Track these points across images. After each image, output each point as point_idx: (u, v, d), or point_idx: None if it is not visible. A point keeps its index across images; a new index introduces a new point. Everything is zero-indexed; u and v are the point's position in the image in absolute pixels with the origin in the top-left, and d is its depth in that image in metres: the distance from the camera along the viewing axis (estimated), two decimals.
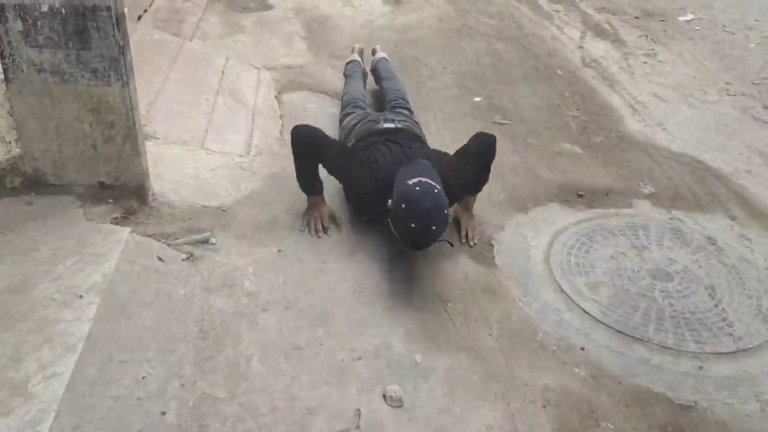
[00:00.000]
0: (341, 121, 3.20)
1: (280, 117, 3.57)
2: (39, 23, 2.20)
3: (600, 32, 5.07)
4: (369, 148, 2.64)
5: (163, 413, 1.76)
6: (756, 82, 4.26)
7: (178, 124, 3.14)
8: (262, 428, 1.77)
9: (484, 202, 2.91)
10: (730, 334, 2.25)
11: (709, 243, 2.71)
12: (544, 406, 1.95)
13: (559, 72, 4.35)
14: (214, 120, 3.29)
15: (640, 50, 4.74)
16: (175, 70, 3.60)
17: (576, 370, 2.11)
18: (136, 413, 1.72)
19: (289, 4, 5.24)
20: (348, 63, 3.82)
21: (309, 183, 2.62)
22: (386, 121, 2.87)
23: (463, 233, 2.64)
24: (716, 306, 2.38)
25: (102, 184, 2.49)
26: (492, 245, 2.65)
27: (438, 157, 2.59)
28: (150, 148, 2.68)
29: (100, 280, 2.06)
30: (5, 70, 2.27)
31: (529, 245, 2.66)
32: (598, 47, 4.81)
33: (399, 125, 2.83)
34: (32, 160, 2.43)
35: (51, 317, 1.90)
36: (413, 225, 2.19)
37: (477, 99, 3.92)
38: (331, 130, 3.43)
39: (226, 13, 4.91)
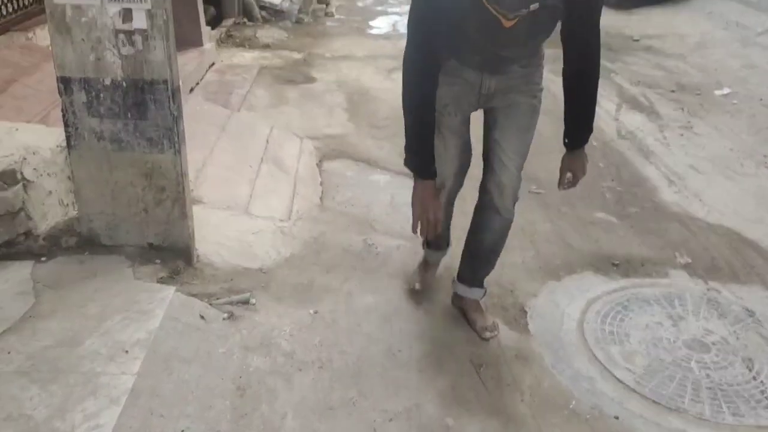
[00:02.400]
0: None
1: (321, 184, 3.70)
2: (101, 95, 2.39)
3: (635, 105, 5.16)
4: None
5: None
6: None
7: (223, 189, 3.29)
8: None
9: (518, 268, 2.95)
10: (767, 407, 2.21)
11: (747, 315, 2.69)
12: None
13: (594, 143, 4.42)
14: (257, 186, 3.44)
15: (675, 123, 4.80)
16: (223, 139, 3.79)
17: None
18: None
19: (333, 77, 5.49)
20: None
21: (422, 156, 2.12)
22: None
23: (565, 178, 2.37)
24: (754, 379, 2.34)
25: (151, 245, 2.62)
26: (525, 311, 2.67)
27: None
28: (196, 212, 2.81)
29: (145, 336, 2.15)
30: (68, 137, 2.46)
31: (562, 313, 2.67)
32: (633, 119, 4.88)
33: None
34: (88, 222, 2.59)
35: (97, 370, 2.00)
36: None
37: None
38: (371, 196, 3.56)
39: (272, 86, 5.16)
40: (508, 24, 1.97)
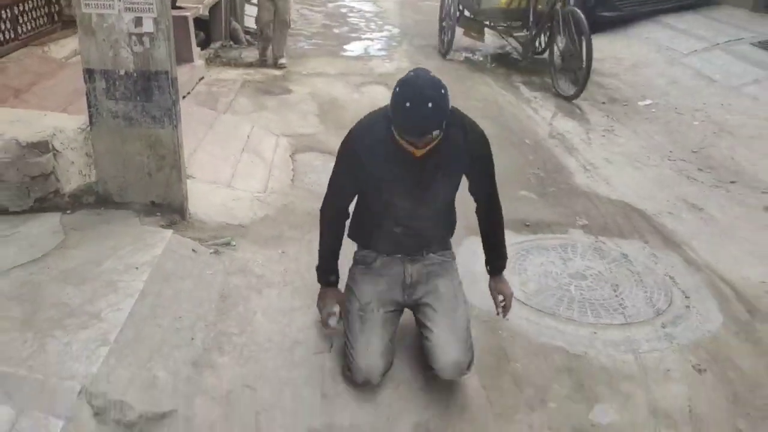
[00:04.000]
0: None
1: (292, 170, 4.42)
2: (117, 83, 3.11)
3: (569, 113, 5.95)
4: None
5: (192, 338, 2.49)
6: (695, 150, 5.05)
7: (210, 170, 4.01)
8: (261, 351, 2.50)
9: None
10: (622, 314, 2.94)
11: (623, 257, 3.43)
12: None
13: (527, 141, 5.20)
14: (238, 169, 4.16)
15: (600, 127, 5.59)
16: (210, 134, 4.52)
17: (499, 331, 2.80)
18: (173, 336, 2.46)
19: (307, 90, 6.24)
20: None
21: (325, 264, 2.60)
22: None
23: (500, 302, 2.62)
24: (617, 297, 3.07)
25: (153, 203, 3.31)
26: None
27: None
28: (188, 185, 3.52)
29: (150, 259, 2.84)
30: (90, 116, 3.17)
31: (476, 255, 3.38)
32: (565, 124, 5.67)
33: None
34: (103, 184, 3.29)
35: (115, 279, 2.68)
36: (408, 104, 2.05)
37: None
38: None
39: (254, 96, 5.92)
40: (419, 153, 2.24)
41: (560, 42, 6.37)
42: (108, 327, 2.38)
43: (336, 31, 9.33)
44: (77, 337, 2.30)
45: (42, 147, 3.14)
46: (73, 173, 3.35)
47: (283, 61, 7.01)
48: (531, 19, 6.93)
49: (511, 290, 2.63)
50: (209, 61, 6.82)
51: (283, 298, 2.87)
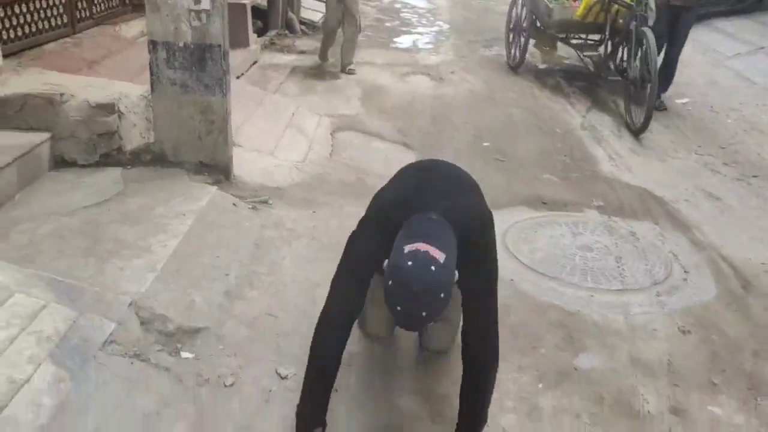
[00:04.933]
0: None
1: (331, 145, 4.77)
2: (176, 54, 3.50)
3: (605, 108, 6.12)
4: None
5: (227, 275, 2.85)
6: (723, 146, 5.18)
7: (256, 140, 4.38)
8: (286, 289, 2.84)
9: None
10: (621, 281, 3.17)
11: (631, 235, 3.64)
12: None
13: (558, 131, 5.42)
14: (281, 142, 4.53)
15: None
16: (259, 110, 4.90)
17: (504, 290, 3.05)
18: (211, 270, 2.83)
19: (355, 77, 6.58)
20: None
21: (309, 416, 2.06)
22: None
23: None
24: (618, 267, 3.30)
25: (202, 163, 3.70)
26: None
27: (473, 206, 2.10)
28: (234, 152, 3.89)
29: (196, 209, 3.22)
30: (152, 83, 3.57)
31: None
32: (598, 118, 5.85)
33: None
34: (160, 144, 3.69)
35: (164, 222, 3.06)
36: (398, 308, 1.77)
37: (485, 144, 5.02)
38: (369, 155, 4.60)
39: (303, 80, 6.29)
40: None
41: (632, 65, 5.50)
42: (156, 259, 2.76)
43: (388, 24, 9.65)
44: (130, 264, 2.69)
45: (109, 109, 3.56)
46: (135, 134, 3.77)
47: (352, 67, 6.65)
48: (606, 35, 6.20)
49: None
50: (264, 47, 7.24)
51: (310, 249, 3.21)
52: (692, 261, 3.41)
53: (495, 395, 2.33)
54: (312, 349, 2.06)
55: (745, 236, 3.73)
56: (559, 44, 7.17)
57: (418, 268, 1.75)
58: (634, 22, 5.54)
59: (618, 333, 2.81)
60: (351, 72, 6.64)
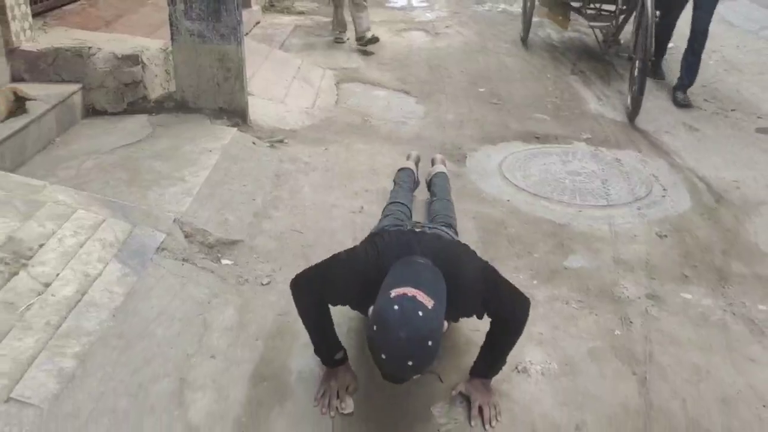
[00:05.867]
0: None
1: (336, 94, 5.07)
2: (194, 5, 3.79)
3: (595, 56, 6.41)
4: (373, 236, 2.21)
5: (254, 199, 3.20)
6: (704, 85, 5.49)
7: (266, 90, 4.69)
8: (306, 210, 3.19)
9: (467, 138, 4.28)
10: (606, 199, 3.52)
11: (616, 161, 3.99)
12: (474, 218, 3.27)
13: (548, 76, 5.73)
14: (290, 91, 4.84)
15: (620, 66, 6.05)
16: (266, 64, 5.20)
17: (501, 208, 3.42)
18: (239, 195, 3.17)
19: (353, 34, 6.84)
20: (400, 170, 3.31)
21: (326, 350, 2.13)
22: (415, 225, 2.35)
23: (475, 411, 2.05)
24: (603, 187, 3.65)
25: (220, 108, 4.01)
26: (466, 157, 4.01)
27: (454, 253, 2.01)
28: (249, 99, 4.21)
29: (220, 146, 3.55)
30: (172, 34, 3.87)
31: (490, 158, 4.01)
32: (589, 65, 6.15)
33: (427, 230, 2.26)
34: (181, 92, 4.00)
35: (193, 157, 3.39)
36: (383, 356, 1.68)
37: (481, 90, 5.34)
38: (372, 101, 4.92)
39: (304, 37, 6.57)
40: None
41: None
42: (190, 186, 3.10)
43: None
44: (168, 191, 3.03)
45: (133, 59, 3.87)
46: (156, 84, 4.08)
47: (371, 33, 6.21)
48: (619, 4, 5.48)
49: (490, 398, 2.09)
50: (264, 10, 7.49)
51: (325, 178, 3.55)
52: (671, 181, 3.76)
53: None
54: (295, 302, 2.10)
55: (719, 159, 4.08)
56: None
57: (405, 313, 1.66)
58: None
59: (603, 239, 3.17)
60: (373, 40, 6.17)
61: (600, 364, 2.33)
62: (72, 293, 2.17)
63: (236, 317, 2.40)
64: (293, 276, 2.09)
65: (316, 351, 2.13)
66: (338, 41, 6.44)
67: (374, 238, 2.08)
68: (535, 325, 2.50)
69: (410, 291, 1.71)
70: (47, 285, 2.16)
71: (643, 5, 4.53)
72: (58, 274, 2.21)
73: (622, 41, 5.75)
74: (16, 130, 3.19)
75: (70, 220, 2.50)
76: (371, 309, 1.75)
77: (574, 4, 6.03)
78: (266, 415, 2.01)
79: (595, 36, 5.94)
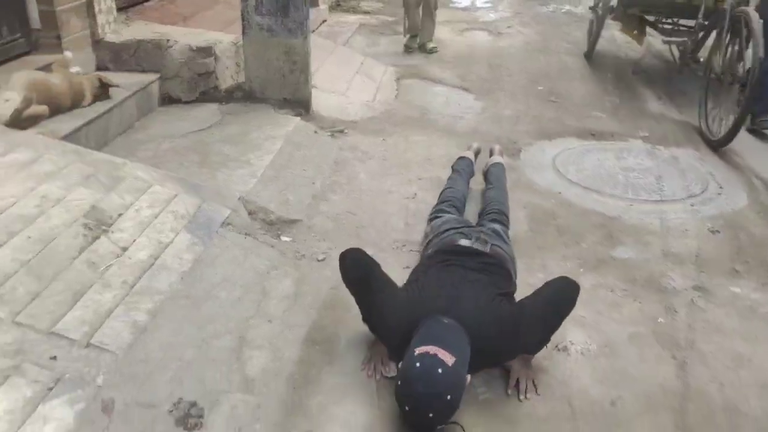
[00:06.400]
0: (431, 219, 2.92)
1: (396, 90, 5.22)
2: (264, 1, 4.01)
3: (659, 57, 6.36)
4: (425, 271, 2.35)
5: (313, 183, 3.38)
6: None
7: (329, 83, 4.88)
8: (362, 194, 3.35)
9: (523, 134, 4.36)
10: (659, 194, 3.54)
11: (672, 159, 3.99)
12: (525, 208, 3.36)
13: (609, 76, 5.72)
14: (352, 85, 5.02)
15: (687, 72, 5.96)
16: (330, 59, 5.40)
17: (552, 200, 3.49)
18: (300, 179, 3.36)
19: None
20: (459, 158, 3.51)
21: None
22: (475, 240, 2.47)
23: (512, 381, 2.17)
24: (657, 183, 3.66)
25: (285, 99, 4.22)
26: (520, 150, 4.08)
27: (491, 312, 2.09)
28: (312, 92, 4.41)
29: (283, 133, 3.75)
30: (243, 28, 4.10)
31: (545, 152, 4.07)
32: (652, 63, 6.10)
33: (487, 249, 2.43)
34: (249, 83, 4.23)
35: (258, 143, 3.60)
36: (406, 408, 1.86)
37: (540, 88, 5.39)
38: (431, 97, 5.05)
39: (368, 35, 6.76)
40: None
41: (719, 56, 4.35)
42: (255, 168, 3.30)
43: None
44: (235, 173, 3.24)
45: (207, 52, 4.12)
46: (227, 76, 4.33)
47: (432, 45, 6.24)
48: (701, 18, 4.88)
49: (529, 372, 2.20)
50: (331, 8, 7.72)
51: (381, 166, 3.70)
52: (728, 179, 3.74)
53: (540, 275, 2.80)
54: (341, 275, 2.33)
55: None
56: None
57: (425, 370, 1.83)
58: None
59: (653, 233, 3.20)
60: (433, 50, 6.20)
61: (640, 348, 2.38)
62: (146, 257, 2.38)
63: (293, 288, 2.57)
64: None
65: (364, 320, 2.28)
66: (408, 49, 6.22)
67: (406, 294, 2.22)
68: (577, 310, 2.57)
69: (432, 349, 1.87)
70: (125, 249, 2.38)
71: (747, 26, 3.95)
72: (134, 240, 2.43)
73: (701, 59, 5.13)
74: (101, 113, 3.47)
75: (147, 193, 2.72)
76: (399, 365, 1.93)
77: (649, 18, 5.64)
78: (317, 374, 2.17)
79: (671, 52, 5.43)
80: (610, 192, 3.56)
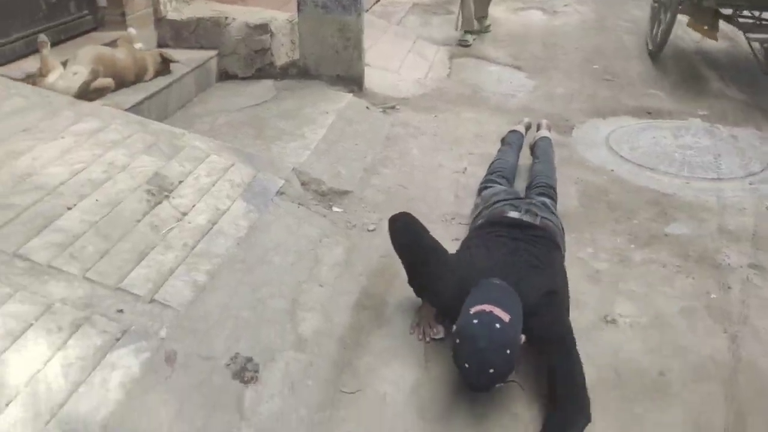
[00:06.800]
0: (481, 189, 2.94)
1: (449, 68, 5.22)
2: None
3: (721, 36, 6.14)
4: (476, 242, 2.38)
5: (365, 157, 3.43)
6: None
7: (382, 61, 4.92)
8: (413, 169, 3.39)
9: (576, 112, 4.31)
10: (716, 172, 3.46)
11: (732, 137, 3.89)
12: (576, 183, 3.34)
13: (668, 55, 5.58)
14: (405, 63, 5.04)
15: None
16: (383, 38, 5.43)
17: (604, 177, 3.46)
18: (352, 153, 3.42)
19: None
20: (510, 131, 3.55)
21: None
22: (525, 212, 2.47)
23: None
24: (715, 161, 3.59)
25: (338, 76, 4.28)
26: (572, 128, 4.05)
27: (543, 281, 2.12)
28: (365, 69, 4.45)
29: (336, 108, 3.81)
30: (299, 4, 4.17)
31: (598, 130, 4.02)
32: (713, 44, 5.91)
33: (537, 222, 2.43)
34: (304, 59, 4.30)
35: (312, 118, 3.67)
36: (467, 365, 1.86)
37: (595, 66, 5.30)
38: (483, 76, 5.04)
39: (421, 15, 6.75)
40: None
41: None
42: (309, 141, 3.38)
43: None
44: (289, 145, 3.32)
45: (263, 29, 4.21)
46: (282, 53, 4.41)
47: (487, 22, 6.14)
48: None
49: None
50: None
51: (433, 142, 3.73)
52: None
53: (590, 249, 2.79)
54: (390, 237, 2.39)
55: None
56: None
57: (484, 325, 1.85)
58: None
59: (709, 210, 3.14)
60: (488, 29, 6.10)
61: (691, 321, 2.37)
62: (204, 222, 2.48)
63: (344, 256, 2.64)
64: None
65: (409, 282, 2.33)
66: (463, 44, 5.76)
67: (460, 261, 2.26)
68: (627, 283, 2.57)
69: (488, 307, 1.90)
70: (185, 214, 2.48)
71: None
72: (193, 206, 2.54)
73: None
74: (162, 87, 3.59)
75: (205, 162, 2.83)
76: (454, 327, 1.93)
77: (725, 12, 4.95)
78: (366, 337, 2.24)
79: (752, 50, 4.84)
80: (665, 170, 3.50)
